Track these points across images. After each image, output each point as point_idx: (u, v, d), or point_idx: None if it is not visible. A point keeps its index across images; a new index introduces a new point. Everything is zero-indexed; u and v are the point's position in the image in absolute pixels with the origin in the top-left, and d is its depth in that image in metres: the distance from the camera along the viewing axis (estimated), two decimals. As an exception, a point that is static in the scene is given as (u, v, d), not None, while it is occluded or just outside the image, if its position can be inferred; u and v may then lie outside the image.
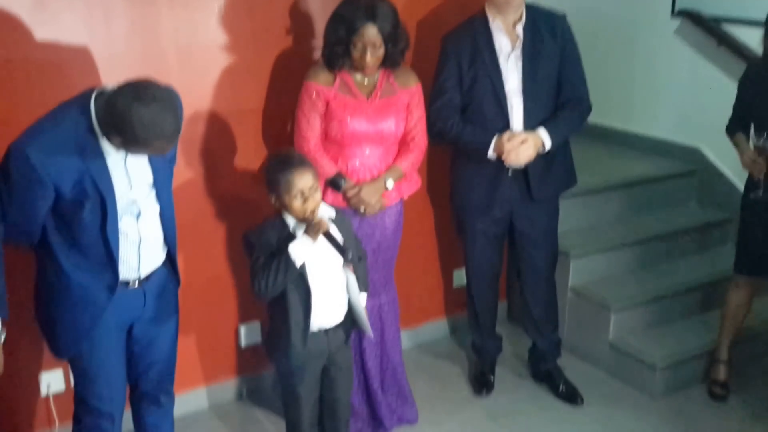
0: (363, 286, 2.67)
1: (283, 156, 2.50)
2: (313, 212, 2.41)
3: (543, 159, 3.11)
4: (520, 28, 3.06)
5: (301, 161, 2.46)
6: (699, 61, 4.12)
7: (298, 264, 2.38)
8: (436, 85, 3.14)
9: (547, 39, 3.08)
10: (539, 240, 3.33)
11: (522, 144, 3.00)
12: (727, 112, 3.31)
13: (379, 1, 2.74)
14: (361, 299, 2.64)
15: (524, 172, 3.14)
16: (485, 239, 3.34)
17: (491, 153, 3.06)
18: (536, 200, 3.20)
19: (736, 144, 3.25)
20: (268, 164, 2.49)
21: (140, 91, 2.02)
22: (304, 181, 2.38)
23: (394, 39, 2.80)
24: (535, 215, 3.27)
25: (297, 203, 2.39)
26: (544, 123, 3.08)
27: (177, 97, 2.11)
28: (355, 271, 2.60)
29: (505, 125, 3.08)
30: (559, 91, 3.15)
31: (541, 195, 3.21)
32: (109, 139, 2.12)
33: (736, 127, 3.25)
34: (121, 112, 2.00)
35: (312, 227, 2.38)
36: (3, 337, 2.16)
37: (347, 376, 2.73)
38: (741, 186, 3.38)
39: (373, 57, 2.76)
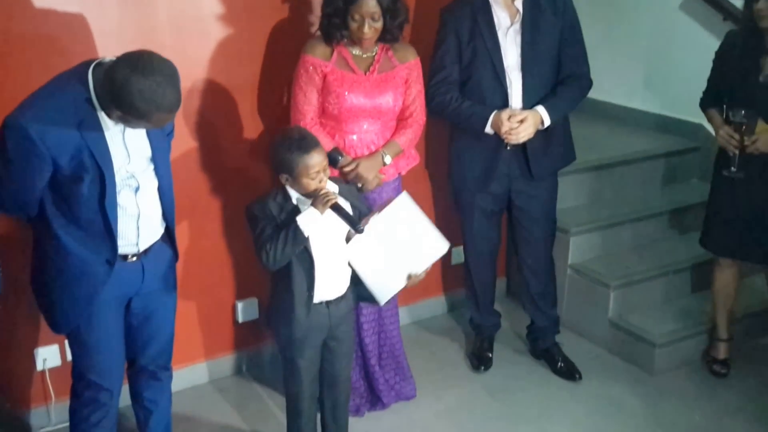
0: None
1: (296, 137, 2.44)
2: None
3: (542, 136, 3.11)
4: (519, 3, 3.05)
5: (315, 141, 2.44)
6: (704, 35, 4.09)
7: (306, 234, 2.38)
8: (434, 59, 3.13)
9: (548, 13, 3.06)
10: (538, 217, 3.33)
11: (521, 123, 3.00)
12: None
13: None
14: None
15: (523, 149, 3.14)
16: (483, 216, 3.34)
17: (488, 129, 3.06)
18: (535, 177, 3.20)
19: (709, 119, 3.26)
20: (277, 144, 2.46)
21: (139, 62, 1.99)
22: (318, 161, 2.39)
23: (392, 12, 2.77)
24: (533, 192, 3.27)
25: (314, 184, 2.39)
26: (543, 99, 3.08)
27: (175, 69, 2.08)
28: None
29: (504, 101, 3.08)
30: (559, 66, 3.14)
31: (540, 172, 3.20)
32: (107, 112, 2.11)
33: (709, 101, 3.25)
34: (120, 85, 1.97)
35: (319, 199, 2.38)
36: None
37: (348, 350, 2.74)
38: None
39: (371, 29, 2.74)
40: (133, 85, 1.96)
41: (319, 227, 2.44)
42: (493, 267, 3.56)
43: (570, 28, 3.12)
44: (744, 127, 3.04)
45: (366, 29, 2.72)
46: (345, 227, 2.48)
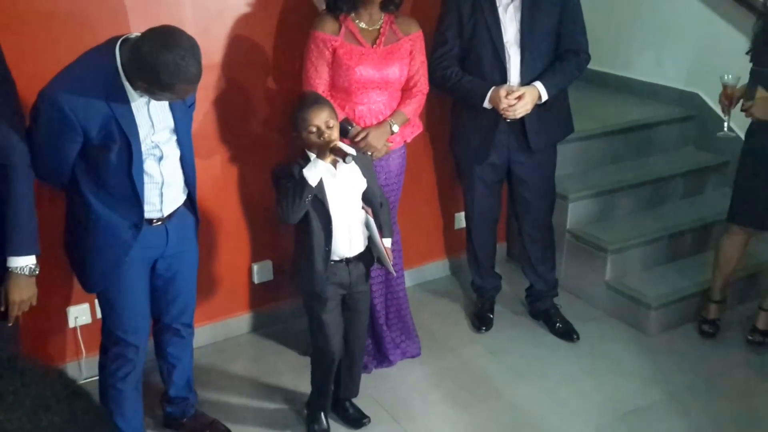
0: (387, 231, 2.75)
1: (301, 96, 2.61)
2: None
3: (540, 109, 3.15)
4: None
5: (315, 99, 2.55)
6: (700, 8, 4.12)
7: (311, 182, 2.45)
8: (437, 34, 3.18)
9: None
10: (537, 186, 3.39)
11: (519, 99, 3.05)
12: (729, 60, 3.32)
13: None
14: (386, 243, 2.73)
15: (521, 122, 3.18)
16: (483, 185, 3.41)
17: (487, 104, 3.11)
18: (534, 149, 3.25)
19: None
20: (292, 106, 2.59)
21: (164, 37, 2.09)
22: (319, 118, 2.47)
23: None
24: (532, 163, 3.32)
25: (313, 137, 2.48)
26: (541, 75, 3.11)
27: (197, 44, 2.16)
28: (378, 216, 2.69)
29: (503, 75, 3.13)
30: (558, 41, 3.17)
31: (539, 144, 3.26)
32: (133, 84, 2.19)
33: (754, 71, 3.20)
34: (147, 58, 2.06)
35: (321, 147, 2.46)
36: (36, 271, 2.26)
37: (364, 309, 2.84)
38: (738, 131, 3.39)
39: None
40: (158, 58, 2.04)
41: (335, 185, 2.54)
42: (494, 233, 3.63)
43: (569, 5, 3.15)
44: (744, 91, 3.08)
45: None
46: (362, 187, 2.58)
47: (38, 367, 0.70)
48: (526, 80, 3.13)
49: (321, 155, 2.46)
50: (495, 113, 3.14)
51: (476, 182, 3.41)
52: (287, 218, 2.53)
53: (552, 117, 3.26)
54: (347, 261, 2.66)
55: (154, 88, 2.14)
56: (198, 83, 2.20)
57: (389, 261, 2.74)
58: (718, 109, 4.12)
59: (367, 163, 2.69)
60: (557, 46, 3.18)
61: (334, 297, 2.70)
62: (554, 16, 3.13)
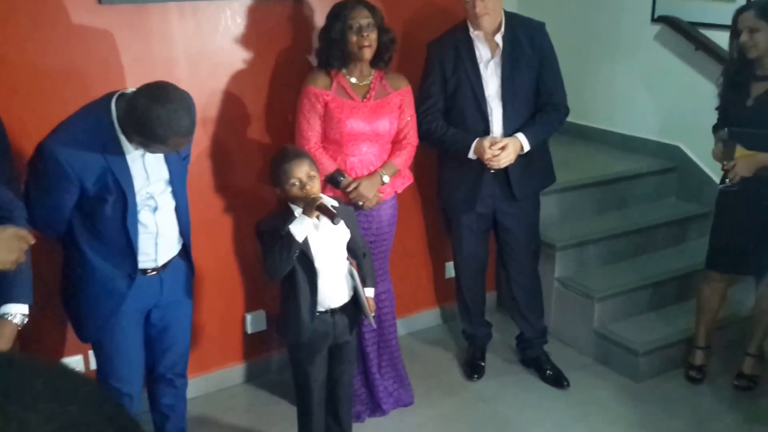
0: (370, 281, 2.79)
1: (281, 150, 2.61)
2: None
3: (523, 160, 3.23)
4: (499, 37, 3.18)
5: (296, 153, 2.57)
6: (678, 64, 4.24)
7: (298, 239, 2.47)
8: (422, 89, 3.28)
9: (526, 47, 3.20)
10: (522, 235, 3.46)
11: (502, 150, 3.13)
12: (705, 112, 3.42)
13: None
14: (368, 293, 2.76)
15: (505, 172, 3.26)
16: (471, 234, 3.47)
17: (471, 155, 3.20)
18: (518, 198, 3.33)
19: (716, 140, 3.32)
20: (271, 160, 2.62)
21: (158, 92, 2.16)
22: (300, 170, 2.49)
23: (383, 28, 2.97)
24: (517, 212, 3.39)
25: (295, 190, 2.50)
26: (522, 127, 3.21)
27: (190, 98, 2.23)
28: (362, 267, 2.72)
29: (486, 128, 3.22)
30: (538, 95, 3.28)
31: (523, 193, 3.34)
32: (128, 138, 2.25)
33: (720, 124, 3.30)
34: (141, 112, 2.12)
35: (307, 203, 2.47)
36: (25, 321, 2.15)
37: (351, 357, 2.86)
38: (714, 178, 3.48)
39: (369, 36, 2.89)
40: (152, 112, 2.10)
41: (319, 238, 2.56)
42: (483, 282, 3.68)
43: (547, 61, 3.25)
44: (723, 151, 3.15)
45: (365, 35, 2.88)
46: (345, 238, 2.60)
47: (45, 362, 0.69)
48: (508, 132, 3.22)
49: (307, 212, 2.47)
50: (479, 164, 3.23)
51: (463, 231, 3.47)
52: (274, 275, 2.55)
53: (534, 167, 3.34)
54: (332, 312, 2.68)
55: (148, 141, 2.20)
56: (191, 136, 2.26)
57: (370, 312, 2.76)
58: (699, 162, 4.28)
59: (349, 214, 2.70)
60: (537, 99, 3.28)
61: (320, 349, 2.72)
62: (533, 72, 3.24)
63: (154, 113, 2.11)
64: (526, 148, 3.21)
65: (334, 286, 2.65)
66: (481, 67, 3.21)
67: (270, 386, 3.55)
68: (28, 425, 0.59)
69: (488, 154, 3.13)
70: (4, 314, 2.13)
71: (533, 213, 3.50)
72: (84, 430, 0.62)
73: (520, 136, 3.19)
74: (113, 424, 0.66)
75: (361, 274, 2.73)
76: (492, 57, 3.21)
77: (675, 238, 4.26)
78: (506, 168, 3.22)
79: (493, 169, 3.23)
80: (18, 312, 2.15)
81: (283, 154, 2.56)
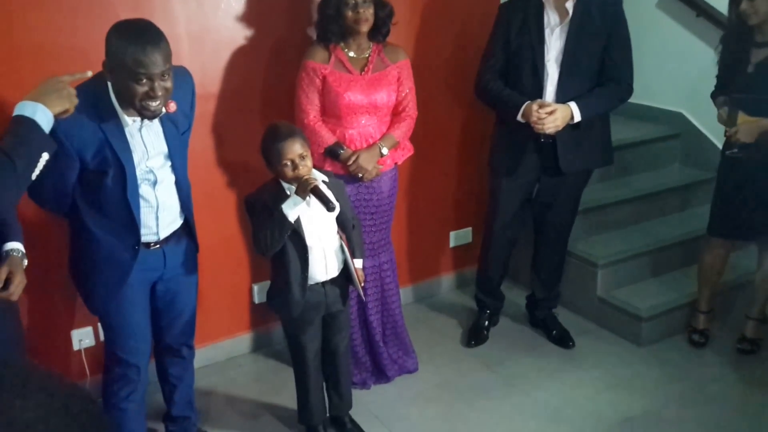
0: (359, 252, 2.82)
1: (272, 129, 2.57)
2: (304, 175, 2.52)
3: (573, 132, 3.18)
4: (570, 4, 3.13)
5: (289, 131, 2.53)
6: (680, 31, 4.23)
7: (291, 219, 2.50)
8: (487, 47, 3.31)
9: (597, 17, 3.13)
10: (562, 210, 3.47)
11: (550, 114, 3.09)
12: (707, 79, 3.42)
13: None
14: (357, 264, 2.78)
15: (554, 145, 3.24)
16: (508, 203, 3.47)
17: (520, 117, 3.17)
18: (564, 172, 3.29)
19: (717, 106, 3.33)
20: (262, 138, 2.61)
21: (122, 27, 2.20)
22: (292, 151, 2.48)
23: (380, 2, 2.98)
24: (559, 186, 3.39)
25: (287, 170, 2.49)
26: (577, 97, 3.16)
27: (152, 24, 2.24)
28: (351, 238, 2.75)
29: (539, 93, 3.19)
30: (601, 69, 3.21)
31: (570, 168, 3.29)
32: (126, 111, 2.28)
33: (716, 92, 3.33)
34: (114, 50, 2.16)
35: (301, 185, 2.47)
36: (25, 261, 2.21)
37: (344, 325, 2.89)
38: (717, 145, 3.49)
39: (365, 12, 2.91)
40: (122, 42, 2.15)
41: (311, 215, 2.58)
42: (509, 250, 3.68)
43: (616, 35, 3.18)
44: (726, 118, 3.16)
45: (361, 11, 2.89)
46: (336, 212, 2.57)
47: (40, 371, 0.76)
48: (560, 100, 3.17)
49: (300, 194, 2.48)
50: (528, 133, 3.19)
51: (501, 197, 3.47)
52: (265, 251, 2.57)
53: (588, 142, 3.28)
54: (323, 283, 2.71)
55: (131, 74, 2.16)
56: (166, 49, 2.20)
57: (360, 283, 2.78)
58: (702, 128, 4.29)
59: (340, 188, 2.70)
60: (600, 73, 3.22)
61: (312, 320, 2.76)
62: (600, 43, 3.16)
63: (122, 41, 2.15)
64: (577, 118, 3.15)
65: (325, 260, 2.68)
66: (547, 32, 3.17)
67: (277, 355, 3.61)
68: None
69: (534, 116, 3.10)
70: (11, 249, 2.19)
71: (578, 189, 3.47)
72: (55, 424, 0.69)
73: (572, 104, 3.14)
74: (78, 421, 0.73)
75: (350, 245, 2.76)
76: (560, 23, 3.17)
77: (679, 205, 4.28)
78: (554, 140, 3.20)
79: (542, 136, 3.20)
80: (19, 249, 2.21)
81: (275, 133, 2.54)
